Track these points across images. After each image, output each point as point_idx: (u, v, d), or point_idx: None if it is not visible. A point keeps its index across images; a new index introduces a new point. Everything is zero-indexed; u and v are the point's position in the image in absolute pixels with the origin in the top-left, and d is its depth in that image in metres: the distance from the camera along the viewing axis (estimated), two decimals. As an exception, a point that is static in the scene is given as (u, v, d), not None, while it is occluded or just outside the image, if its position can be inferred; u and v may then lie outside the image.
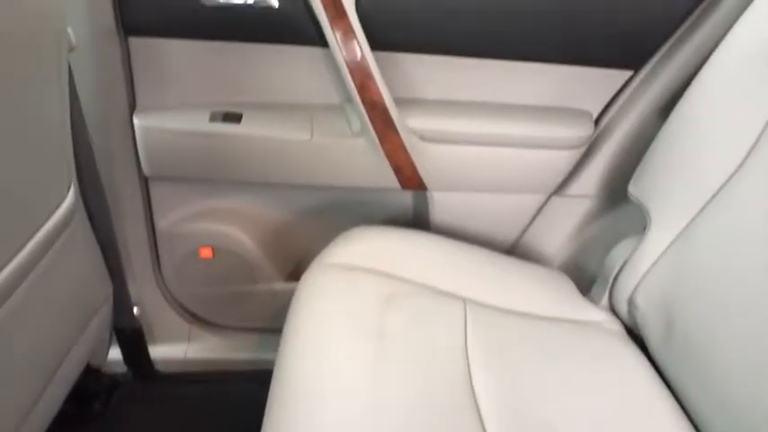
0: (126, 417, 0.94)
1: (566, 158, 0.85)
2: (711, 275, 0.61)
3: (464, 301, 0.71)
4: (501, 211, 0.91)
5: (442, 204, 0.89)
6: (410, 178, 0.83)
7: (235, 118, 0.78)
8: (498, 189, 0.88)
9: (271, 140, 0.79)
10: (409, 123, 0.79)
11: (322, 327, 0.63)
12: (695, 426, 0.59)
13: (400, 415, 0.54)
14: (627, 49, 0.80)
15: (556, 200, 0.90)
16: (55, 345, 0.65)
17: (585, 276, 0.87)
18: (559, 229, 0.92)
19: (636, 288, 0.71)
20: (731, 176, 0.62)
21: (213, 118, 0.78)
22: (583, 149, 0.85)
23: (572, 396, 0.61)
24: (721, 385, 0.56)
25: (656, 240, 0.69)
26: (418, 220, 0.93)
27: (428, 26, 0.75)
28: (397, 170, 0.82)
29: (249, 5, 0.70)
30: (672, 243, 0.67)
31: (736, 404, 0.54)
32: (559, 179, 0.87)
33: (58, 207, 0.60)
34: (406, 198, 0.92)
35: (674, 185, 0.68)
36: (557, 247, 0.92)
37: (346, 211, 0.92)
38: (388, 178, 0.82)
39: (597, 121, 0.86)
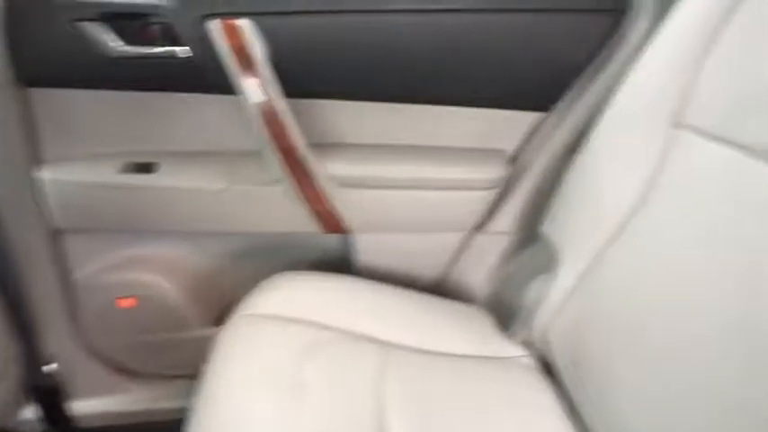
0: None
1: (481, 198, 0.87)
2: (613, 313, 0.63)
3: (384, 345, 0.72)
4: (425, 250, 0.93)
5: (367, 246, 0.90)
6: (331, 223, 0.84)
7: (147, 168, 0.76)
8: (420, 229, 0.89)
9: (186, 190, 0.78)
10: (328, 169, 0.79)
11: (237, 382, 0.62)
12: None
13: None
14: (537, 92, 0.83)
15: (479, 237, 0.93)
16: None
17: (507, 312, 0.89)
18: (483, 266, 0.94)
19: (548, 325, 0.73)
20: (630, 215, 0.65)
21: (125, 169, 0.76)
22: (498, 189, 0.87)
23: None
24: (620, 422, 0.58)
25: (565, 278, 0.71)
26: (345, 263, 0.93)
27: (342, 73, 0.76)
28: (318, 216, 0.82)
29: (157, 56, 0.69)
30: (579, 281, 0.69)
31: None
32: (477, 218, 0.89)
33: None
34: (332, 241, 0.93)
35: (580, 224, 0.71)
36: (481, 283, 0.94)
37: (272, 256, 0.92)
38: (309, 224, 0.83)
39: (515, 160, 0.89)
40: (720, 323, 0.50)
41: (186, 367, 0.97)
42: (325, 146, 0.80)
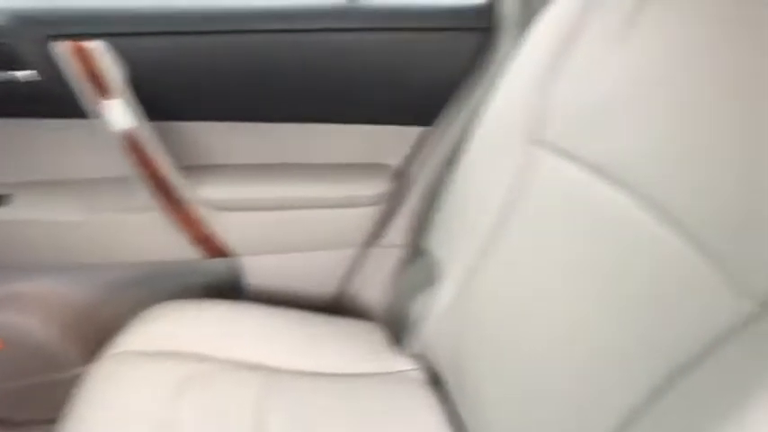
0: None
1: (367, 214, 0.87)
2: (482, 325, 0.65)
3: (269, 371, 0.70)
4: (316, 269, 0.91)
5: (255, 269, 0.87)
6: (213, 248, 0.81)
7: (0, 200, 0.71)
8: (307, 248, 0.88)
9: (44, 222, 0.72)
10: (204, 193, 0.76)
11: (97, 429, 0.58)
12: None
13: None
14: (418, 107, 0.84)
15: (373, 251, 0.93)
16: None
17: (399, 326, 0.89)
18: (377, 280, 0.94)
19: (432, 338, 0.74)
20: (495, 231, 0.67)
21: (-26, 202, 0.70)
22: (383, 204, 0.88)
23: None
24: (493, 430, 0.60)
25: (445, 291, 0.72)
26: (236, 287, 0.90)
27: (211, 94, 0.74)
28: (197, 241, 0.79)
29: (5, 81, 0.64)
30: (456, 294, 0.71)
31: None
32: (365, 233, 0.90)
33: None
34: (220, 266, 0.90)
35: (455, 238, 0.73)
36: (375, 298, 0.95)
37: (155, 285, 0.87)
38: (188, 250, 0.79)
39: (402, 174, 0.89)
40: (569, 336, 0.52)
41: (63, 410, 0.91)
42: (200, 168, 0.78)
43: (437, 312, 0.73)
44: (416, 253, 0.92)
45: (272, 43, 0.71)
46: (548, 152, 0.61)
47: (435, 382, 0.75)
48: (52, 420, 0.91)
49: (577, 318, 0.51)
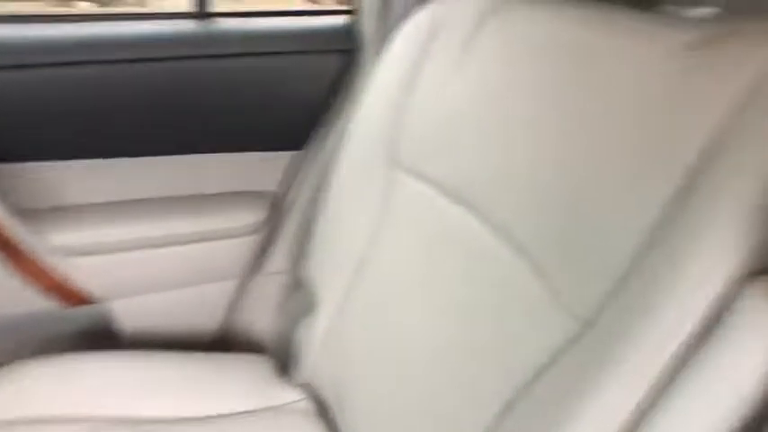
0: None
1: (245, 244, 0.85)
2: (361, 347, 0.65)
3: (137, 423, 0.65)
4: (197, 305, 0.88)
5: (129, 312, 0.82)
6: (70, 296, 0.75)
7: None
8: (185, 284, 0.84)
9: None
10: (56, 238, 0.71)
11: None
12: None
13: None
14: (288, 131, 0.84)
15: (255, 281, 0.90)
16: None
17: (286, 356, 0.87)
18: (263, 310, 0.91)
19: (315, 366, 0.73)
20: (365, 256, 0.66)
21: None
22: (260, 233, 0.86)
23: None
24: None
25: (323, 317, 0.71)
26: (108, 334, 0.84)
27: (57, 131, 0.69)
28: (50, 289, 0.73)
29: None
30: (333, 319, 0.70)
31: None
32: (245, 264, 0.87)
33: None
34: (87, 312, 0.83)
35: (329, 264, 0.72)
36: (264, 328, 0.92)
37: (11, 339, 0.79)
38: (40, 300, 0.73)
39: (279, 200, 0.88)
40: (431, 355, 0.53)
41: None
42: (49, 212, 0.72)
43: (316, 340, 0.72)
44: (297, 281, 0.91)
45: (117, 74, 0.68)
46: (404, 173, 0.62)
47: (322, 410, 0.74)
48: None
49: (436, 336, 0.52)
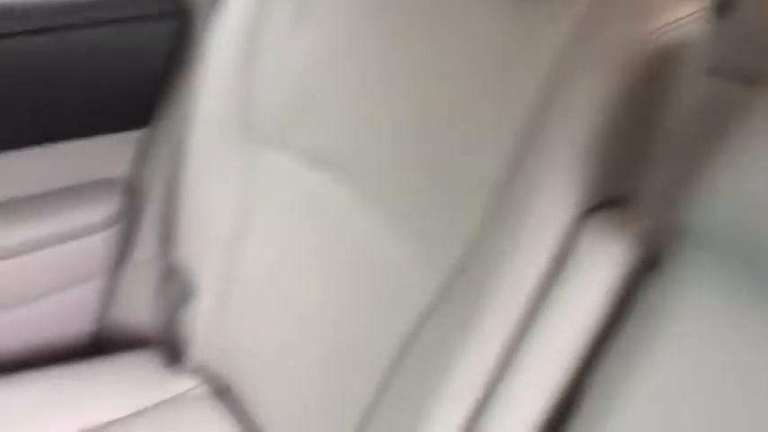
0: None
1: (105, 238, 0.79)
2: (248, 322, 0.64)
3: None
4: (67, 311, 0.81)
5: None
6: None
7: None
8: (48, 293, 0.77)
9: None
10: None
11: None
12: None
13: None
14: (127, 109, 0.76)
15: (125, 272, 0.84)
16: None
17: (173, 345, 0.85)
18: (141, 302, 0.87)
19: (205, 348, 0.71)
20: (241, 229, 0.65)
21: None
22: (119, 223, 0.80)
23: None
24: (272, 422, 0.61)
25: (205, 300, 0.70)
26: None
27: None
28: None
29: None
30: (216, 300, 0.68)
31: None
32: (110, 258, 0.81)
33: None
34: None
35: (202, 245, 0.69)
36: (144, 322, 0.87)
37: None
38: None
39: (133, 186, 0.81)
40: (313, 325, 0.54)
41: None
42: None
43: (202, 323, 0.70)
44: (170, 266, 0.87)
45: None
46: (262, 145, 0.60)
47: (220, 392, 0.73)
48: None
49: (311, 305, 0.53)
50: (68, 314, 0.82)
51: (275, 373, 0.60)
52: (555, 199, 0.36)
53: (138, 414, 0.68)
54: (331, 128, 0.53)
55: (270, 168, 0.59)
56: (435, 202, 0.43)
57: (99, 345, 0.87)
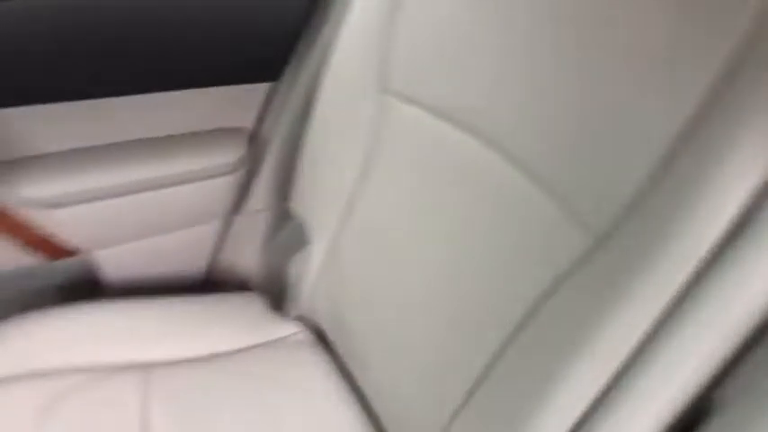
0: None
1: (227, 183, 0.83)
2: (359, 277, 0.65)
3: (145, 367, 0.66)
4: (181, 249, 0.86)
5: (113, 261, 0.80)
6: (52, 248, 0.72)
7: None
8: (167, 229, 0.82)
9: None
10: (27, 190, 0.67)
11: None
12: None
13: None
14: (260, 62, 0.79)
15: (238, 220, 0.89)
16: None
17: (278, 291, 0.88)
18: (249, 249, 0.91)
19: (312, 298, 0.73)
20: (358, 186, 0.66)
21: None
22: (242, 170, 0.84)
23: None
24: (376, 379, 0.62)
25: (318, 250, 0.72)
26: (92, 285, 0.83)
27: (18, 72, 0.63)
28: (31, 244, 0.70)
29: None
30: (329, 251, 0.70)
31: (387, 394, 0.60)
32: (228, 203, 0.85)
33: None
34: (68, 265, 0.81)
35: (319, 197, 0.71)
36: (250, 266, 0.92)
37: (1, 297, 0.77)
38: (23, 256, 0.70)
39: (257, 135, 0.85)
40: (432, 283, 0.54)
41: None
42: (18, 162, 0.68)
43: (312, 273, 0.72)
44: (283, 216, 0.90)
45: (76, 8, 0.62)
46: (395, 98, 0.60)
47: (321, 341, 0.76)
48: None
49: (437, 264, 0.53)
50: (183, 251, 0.88)
51: (384, 331, 0.61)
52: (737, 165, 0.33)
53: (241, 351, 0.72)
54: (470, 81, 0.52)
55: (400, 121, 0.59)
56: (589, 160, 0.41)
57: (206, 285, 0.93)
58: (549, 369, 0.40)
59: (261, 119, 0.84)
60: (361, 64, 0.65)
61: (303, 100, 0.81)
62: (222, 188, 0.83)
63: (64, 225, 0.72)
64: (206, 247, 0.89)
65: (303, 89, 0.80)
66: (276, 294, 0.83)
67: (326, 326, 0.72)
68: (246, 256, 0.92)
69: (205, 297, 0.80)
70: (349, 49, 0.67)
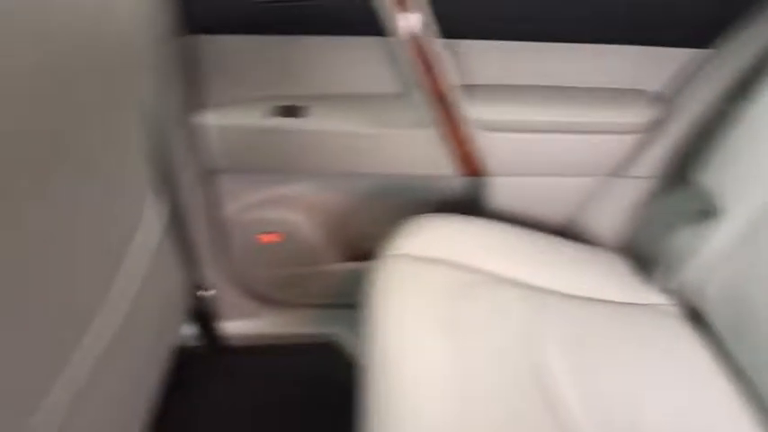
0: (200, 385, 1.01)
1: (624, 141, 0.84)
2: (758, 271, 0.61)
3: (533, 289, 0.73)
4: (556, 194, 0.91)
5: (499, 189, 0.90)
6: (471, 166, 0.84)
7: (297, 111, 0.79)
8: (556, 173, 0.88)
9: (332, 133, 0.80)
10: (471, 112, 0.79)
11: (404, 324, 0.66)
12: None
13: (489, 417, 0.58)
14: (693, 26, 0.77)
15: (613, 181, 0.90)
16: (153, 331, 0.71)
17: (647, 258, 0.87)
18: (615, 210, 0.91)
19: (704, 277, 0.71)
20: None
21: (275, 112, 0.79)
22: (644, 133, 0.83)
23: (648, 389, 0.63)
24: None
25: (726, 231, 0.68)
26: (474, 206, 0.94)
27: (489, 11, 0.74)
28: (459, 158, 0.82)
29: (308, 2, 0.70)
30: (743, 236, 0.66)
31: None
32: (618, 161, 0.87)
33: (143, 218, 0.63)
34: (464, 184, 0.93)
35: (744, 176, 0.67)
36: (611, 227, 0.92)
37: (404, 197, 0.93)
38: (450, 167, 0.83)
39: (665, 101, 0.84)
40: None
41: (322, 297, 1.04)
42: (471, 87, 0.79)
43: (711, 250, 0.70)
44: (674, 185, 0.88)
45: None
46: None
47: (695, 319, 0.73)
48: (308, 305, 1.07)
49: None
50: (555, 197, 0.93)
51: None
52: None
53: (618, 304, 0.74)
54: None
55: None
56: None
57: (561, 233, 0.97)
58: None
59: (673, 85, 0.82)
60: None
61: (736, 74, 0.76)
62: (615, 146, 0.85)
63: (486, 147, 0.82)
64: (574, 199, 0.93)
65: (739, 63, 0.75)
66: (642, 262, 0.83)
67: (713, 309, 0.69)
68: (607, 218, 0.93)
69: (575, 244, 0.84)
70: None
